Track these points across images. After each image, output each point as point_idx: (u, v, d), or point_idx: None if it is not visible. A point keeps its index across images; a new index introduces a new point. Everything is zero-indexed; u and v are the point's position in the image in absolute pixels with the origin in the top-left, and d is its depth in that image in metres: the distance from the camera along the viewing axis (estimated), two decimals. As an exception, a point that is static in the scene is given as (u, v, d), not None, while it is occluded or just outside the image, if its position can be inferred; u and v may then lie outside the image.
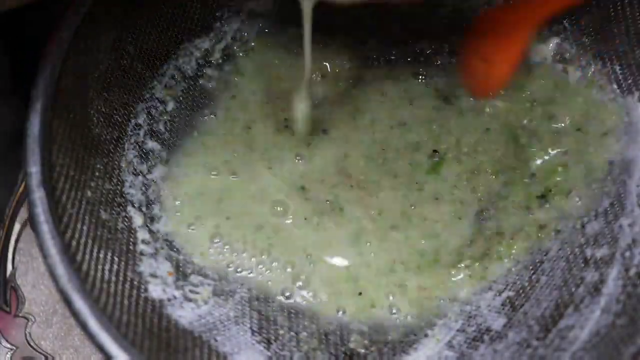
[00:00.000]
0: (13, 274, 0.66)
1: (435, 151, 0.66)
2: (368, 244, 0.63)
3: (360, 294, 0.61)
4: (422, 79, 0.69)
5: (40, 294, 0.66)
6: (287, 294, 0.61)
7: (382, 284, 0.61)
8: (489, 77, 0.67)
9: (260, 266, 0.61)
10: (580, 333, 0.53)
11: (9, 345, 0.64)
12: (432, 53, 0.70)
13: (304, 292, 0.61)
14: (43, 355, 0.64)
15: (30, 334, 0.65)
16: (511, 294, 0.59)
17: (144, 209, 0.60)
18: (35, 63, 0.52)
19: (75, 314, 0.48)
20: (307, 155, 0.66)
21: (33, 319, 0.65)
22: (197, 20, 0.67)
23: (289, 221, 0.63)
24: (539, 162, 0.65)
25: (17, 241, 0.67)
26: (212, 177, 0.64)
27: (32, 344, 0.64)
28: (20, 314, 0.65)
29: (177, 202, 0.63)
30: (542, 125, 0.66)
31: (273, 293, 0.60)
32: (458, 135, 0.66)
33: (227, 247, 0.62)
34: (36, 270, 0.67)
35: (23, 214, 0.68)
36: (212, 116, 0.67)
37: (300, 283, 0.61)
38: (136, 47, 0.62)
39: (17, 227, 0.68)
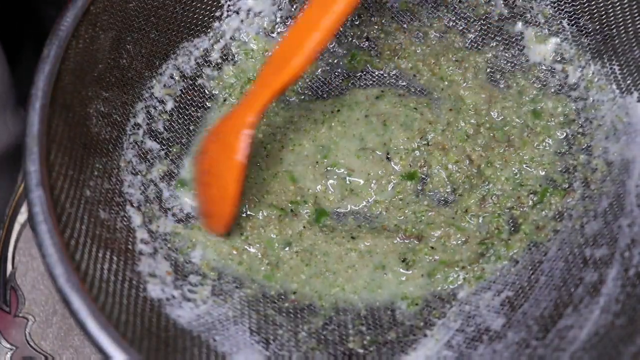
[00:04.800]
0: (13, 274, 0.66)
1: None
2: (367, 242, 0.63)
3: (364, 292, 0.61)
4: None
5: (40, 294, 0.66)
6: (288, 293, 0.61)
7: (382, 283, 0.62)
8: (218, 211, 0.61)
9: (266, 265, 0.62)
10: (580, 333, 0.53)
11: (8, 345, 0.64)
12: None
13: (306, 290, 0.61)
14: (43, 355, 0.64)
15: (30, 334, 0.65)
16: (510, 294, 0.59)
17: (143, 208, 0.60)
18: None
19: (73, 314, 0.48)
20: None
21: (33, 319, 0.65)
22: (196, 19, 0.67)
23: (301, 223, 0.65)
24: (535, 162, 0.65)
25: (17, 241, 0.67)
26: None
27: (32, 344, 0.64)
28: (20, 314, 0.65)
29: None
30: (539, 124, 0.66)
31: (273, 293, 0.61)
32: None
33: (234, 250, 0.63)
34: (36, 270, 0.67)
35: (23, 214, 0.68)
36: (211, 115, 0.68)
37: (302, 282, 0.62)
38: (135, 47, 0.62)
39: (17, 227, 0.68)
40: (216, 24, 0.69)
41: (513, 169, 0.65)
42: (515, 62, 0.69)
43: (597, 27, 0.65)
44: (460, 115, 0.68)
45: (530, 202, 0.64)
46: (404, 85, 0.71)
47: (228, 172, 0.58)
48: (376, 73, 0.71)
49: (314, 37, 0.57)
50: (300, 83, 0.71)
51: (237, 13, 0.69)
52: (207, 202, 0.62)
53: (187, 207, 0.63)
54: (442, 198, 0.66)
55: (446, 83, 0.69)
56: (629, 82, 0.63)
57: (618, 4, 0.63)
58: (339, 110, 0.69)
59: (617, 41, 0.64)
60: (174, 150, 0.65)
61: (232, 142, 0.58)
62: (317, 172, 0.66)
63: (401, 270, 0.62)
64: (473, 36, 0.70)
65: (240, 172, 0.58)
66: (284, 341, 0.57)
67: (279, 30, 0.71)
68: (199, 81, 0.68)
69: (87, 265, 0.51)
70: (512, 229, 0.63)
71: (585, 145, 0.64)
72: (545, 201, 0.63)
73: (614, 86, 0.64)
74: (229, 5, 0.69)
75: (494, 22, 0.70)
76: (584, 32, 0.66)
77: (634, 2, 0.62)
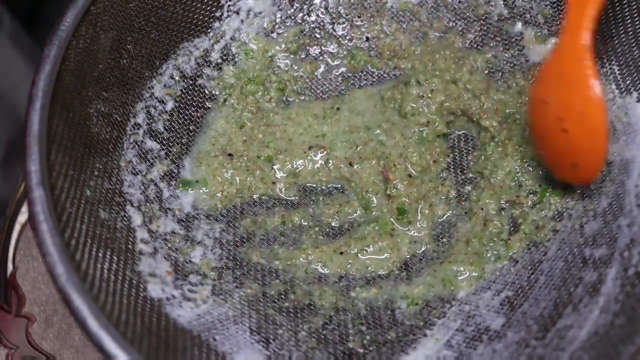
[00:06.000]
0: (13, 274, 0.67)
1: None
2: (370, 246, 0.63)
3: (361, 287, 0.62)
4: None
5: (41, 294, 0.66)
6: (288, 293, 0.61)
7: (382, 283, 0.62)
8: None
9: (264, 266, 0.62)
10: (579, 332, 0.53)
11: (9, 345, 0.64)
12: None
13: (308, 287, 0.61)
14: (44, 355, 0.64)
15: (30, 333, 0.65)
16: (510, 293, 0.59)
17: (143, 208, 0.61)
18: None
19: (74, 313, 0.48)
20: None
21: (33, 319, 0.65)
22: (197, 20, 0.67)
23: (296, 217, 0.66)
24: (535, 161, 0.65)
25: (17, 241, 0.68)
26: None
27: (32, 343, 0.64)
28: (21, 314, 0.65)
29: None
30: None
31: (273, 292, 0.61)
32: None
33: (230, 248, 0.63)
34: (37, 270, 0.67)
35: (24, 214, 0.68)
36: (211, 115, 0.68)
37: (304, 279, 0.62)
38: (135, 47, 0.62)
39: (17, 227, 0.68)
40: (216, 24, 0.69)
41: (513, 168, 0.65)
42: (515, 62, 0.69)
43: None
44: (460, 116, 0.68)
45: (530, 202, 0.64)
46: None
47: (589, 110, 0.54)
48: (376, 73, 0.72)
49: None
50: (300, 83, 0.71)
51: (237, 13, 0.69)
52: (569, 151, 0.58)
53: (188, 207, 0.64)
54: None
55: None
56: (628, 82, 0.63)
57: (617, 4, 0.63)
58: (338, 108, 0.69)
59: (616, 41, 0.64)
60: (174, 150, 0.65)
61: (578, 77, 0.54)
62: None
63: None
64: (473, 36, 0.70)
65: (603, 105, 0.54)
66: (284, 341, 0.57)
67: (279, 30, 0.71)
68: (199, 81, 0.68)
69: (88, 265, 0.51)
70: (512, 228, 0.63)
71: (585, 145, 0.64)
72: (545, 201, 0.63)
73: (614, 86, 0.64)
74: (229, 6, 0.69)
75: (493, 23, 0.70)
76: (583, 32, 0.66)
77: (634, 3, 0.62)
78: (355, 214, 0.66)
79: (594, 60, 0.54)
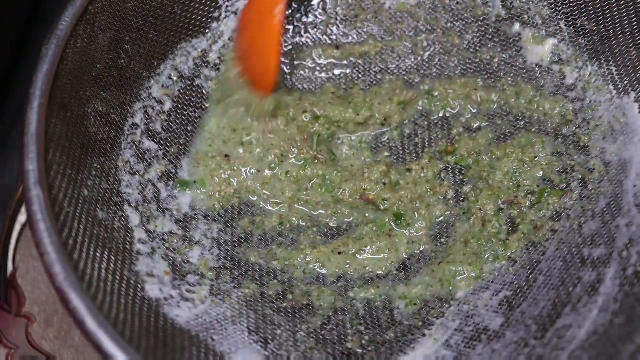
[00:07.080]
0: (13, 274, 0.67)
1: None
2: (368, 246, 0.63)
3: (361, 287, 0.62)
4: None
5: (41, 294, 0.66)
6: (286, 293, 0.61)
7: (381, 283, 0.62)
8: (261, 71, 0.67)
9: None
10: (578, 332, 0.53)
11: (9, 345, 0.64)
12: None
13: (306, 287, 0.61)
14: (44, 355, 0.64)
15: (30, 333, 0.65)
16: (509, 293, 0.59)
17: (140, 208, 0.61)
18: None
19: (72, 312, 0.48)
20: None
21: (33, 319, 0.65)
22: (195, 20, 0.67)
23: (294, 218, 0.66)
24: (533, 162, 0.65)
25: (17, 241, 0.68)
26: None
27: (32, 343, 0.64)
28: (21, 314, 0.65)
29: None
30: (536, 125, 0.67)
31: (271, 292, 0.61)
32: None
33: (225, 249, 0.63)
34: (37, 270, 0.67)
35: (24, 214, 0.68)
36: (209, 116, 0.68)
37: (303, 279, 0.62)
38: (133, 47, 0.62)
39: (17, 227, 0.68)
40: (214, 24, 0.69)
41: (511, 168, 0.65)
42: (513, 63, 0.69)
43: (595, 28, 0.65)
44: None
45: (528, 203, 0.64)
46: (402, 86, 0.71)
47: (267, 43, 0.64)
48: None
49: None
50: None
51: (235, 14, 0.69)
52: (251, 74, 0.67)
53: (185, 208, 0.64)
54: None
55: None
56: (626, 82, 0.64)
57: (615, 5, 0.63)
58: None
59: (614, 42, 0.64)
60: (172, 150, 0.65)
61: (268, 15, 0.64)
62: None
63: None
64: (471, 37, 0.71)
65: (277, 38, 0.64)
66: (283, 341, 0.57)
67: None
68: (197, 82, 0.68)
69: (85, 265, 0.51)
70: (511, 229, 0.63)
71: (583, 145, 0.64)
72: (543, 201, 0.63)
73: (611, 87, 0.64)
74: (227, 6, 0.69)
75: (491, 24, 0.70)
76: (581, 33, 0.66)
77: (631, 3, 0.62)
78: (352, 217, 0.66)
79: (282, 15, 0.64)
